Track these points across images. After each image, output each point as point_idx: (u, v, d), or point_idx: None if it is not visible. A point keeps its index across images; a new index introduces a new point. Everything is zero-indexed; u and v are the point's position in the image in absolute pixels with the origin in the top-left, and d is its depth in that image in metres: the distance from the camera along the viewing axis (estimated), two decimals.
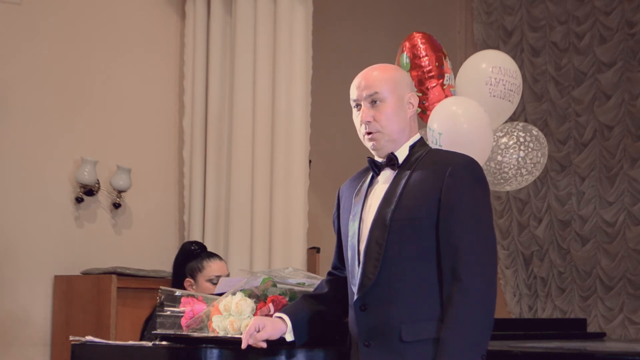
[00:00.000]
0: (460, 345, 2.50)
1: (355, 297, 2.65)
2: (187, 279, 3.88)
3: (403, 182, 2.66)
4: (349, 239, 2.74)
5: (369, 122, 2.70)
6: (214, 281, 3.85)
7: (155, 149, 5.61)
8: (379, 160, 2.74)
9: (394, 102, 2.71)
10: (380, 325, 2.61)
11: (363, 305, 2.64)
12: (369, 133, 2.71)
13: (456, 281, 2.53)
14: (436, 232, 2.59)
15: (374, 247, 2.63)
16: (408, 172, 2.67)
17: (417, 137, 2.76)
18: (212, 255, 3.98)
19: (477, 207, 2.60)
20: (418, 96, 4.03)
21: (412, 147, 2.72)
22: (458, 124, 3.96)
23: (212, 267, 3.89)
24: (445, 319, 2.53)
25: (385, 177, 2.73)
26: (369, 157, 2.77)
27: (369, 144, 2.74)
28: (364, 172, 2.82)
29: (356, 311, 2.65)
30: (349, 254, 2.73)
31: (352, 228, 2.73)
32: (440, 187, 2.60)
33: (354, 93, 2.74)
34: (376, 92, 2.70)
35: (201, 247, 4.03)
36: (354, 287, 2.67)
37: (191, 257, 3.92)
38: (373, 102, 2.70)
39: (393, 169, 2.71)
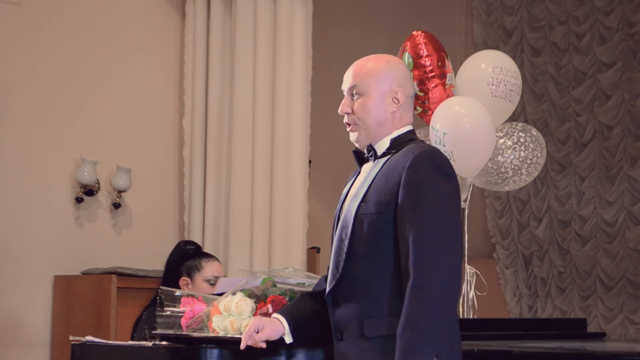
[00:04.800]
0: (412, 343, 2.42)
1: (327, 292, 2.66)
2: (183, 277, 3.88)
3: (373, 176, 2.64)
4: (333, 231, 2.75)
5: (347, 113, 2.74)
6: (211, 282, 3.86)
7: (155, 149, 5.60)
8: (363, 153, 2.74)
9: (374, 96, 2.70)
10: (347, 319, 2.60)
11: (334, 299, 2.64)
12: (348, 124, 2.75)
13: (408, 277, 2.48)
14: (395, 226, 2.56)
15: (341, 241, 2.63)
16: (380, 166, 2.65)
17: (403, 129, 2.71)
18: (210, 256, 3.99)
19: (434, 200, 2.52)
20: (420, 95, 4.04)
21: (394, 140, 2.70)
22: (461, 123, 3.95)
23: (210, 268, 3.90)
24: (401, 316, 2.48)
25: (365, 170, 2.72)
26: (353, 150, 2.77)
27: (350, 135, 2.76)
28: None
29: (329, 305, 2.66)
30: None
31: (336, 221, 2.73)
32: (399, 180, 2.55)
33: (343, 82, 2.78)
34: (355, 85, 2.72)
35: (197, 247, 4.04)
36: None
37: (188, 257, 3.94)
38: (353, 94, 2.73)
39: (372, 161, 2.71)
